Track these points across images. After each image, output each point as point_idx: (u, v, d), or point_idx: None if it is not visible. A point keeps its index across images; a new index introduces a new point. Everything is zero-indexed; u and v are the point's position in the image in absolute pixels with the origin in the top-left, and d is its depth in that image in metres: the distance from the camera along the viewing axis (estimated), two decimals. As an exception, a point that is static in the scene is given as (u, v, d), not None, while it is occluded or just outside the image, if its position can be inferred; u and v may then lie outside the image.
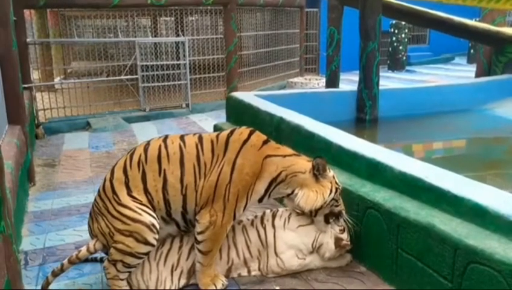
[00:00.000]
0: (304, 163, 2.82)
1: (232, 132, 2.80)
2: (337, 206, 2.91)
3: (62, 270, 2.68)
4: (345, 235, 2.97)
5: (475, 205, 2.36)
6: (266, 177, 2.74)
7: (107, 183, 2.69)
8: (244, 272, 2.95)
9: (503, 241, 2.16)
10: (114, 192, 2.64)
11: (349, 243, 2.96)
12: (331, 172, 2.89)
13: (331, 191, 2.83)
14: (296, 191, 2.80)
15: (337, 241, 2.95)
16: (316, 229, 2.97)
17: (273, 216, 3.03)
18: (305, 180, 2.79)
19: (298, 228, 2.97)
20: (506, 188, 2.66)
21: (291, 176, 2.77)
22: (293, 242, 2.94)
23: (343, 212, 2.96)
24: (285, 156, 2.80)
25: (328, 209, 2.89)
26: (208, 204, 2.67)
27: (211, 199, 2.67)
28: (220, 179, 2.66)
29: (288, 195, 2.84)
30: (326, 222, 2.93)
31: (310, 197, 2.79)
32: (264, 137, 2.83)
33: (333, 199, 2.86)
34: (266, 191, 2.78)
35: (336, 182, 2.89)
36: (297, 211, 3.01)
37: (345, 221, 2.97)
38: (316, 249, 2.97)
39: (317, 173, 2.80)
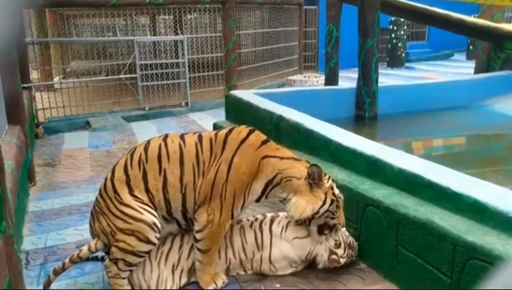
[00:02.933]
0: (300, 169, 2.76)
1: (230, 131, 2.79)
2: (332, 218, 2.83)
3: (63, 269, 2.69)
4: (340, 251, 2.88)
5: (474, 201, 2.37)
6: (262, 178, 2.72)
7: (108, 183, 2.70)
8: (241, 272, 2.95)
9: (502, 238, 2.17)
10: (115, 191, 2.65)
11: (340, 260, 2.88)
12: (328, 183, 2.79)
13: (324, 202, 2.75)
14: (289, 197, 2.74)
15: (330, 254, 2.88)
16: (312, 241, 2.91)
17: (272, 221, 3.01)
18: (299, 187, 2.73)
19: (294, 240, 2.92)
20: (506, 184, 2.67)
21: (286, 180, 2.73)
22: (288, 253, 2.91)
23: (340, 226, 2.90)
24: (282, 158, 2.76)
25: (322, 221, 2.83)
26: (205, 202, 2.68)
27: (209, 198, 2.67)
28: (217, 178, 2.66)
29: (284, 199, 2.78)
30: (320, 233, 2.88)
31: (300, 205, 2.71)
32: (264, 137, 2.80)
33: (328, 210, 2.78)
34: (263, 192, 2.76)
35: (334, 194, 2.80)
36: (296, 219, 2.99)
37: (343, 235, 2.93)
38: (309, 260, 2.95)
39: (312, 182, 2.73)
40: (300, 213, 2.73)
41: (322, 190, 2.76)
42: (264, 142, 2.77)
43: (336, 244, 2.89)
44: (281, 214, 3.09)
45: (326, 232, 2.88)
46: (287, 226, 2.97)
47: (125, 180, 2.66)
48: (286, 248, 2.91)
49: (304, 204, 2.72)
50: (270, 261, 2.91)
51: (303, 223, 2.94)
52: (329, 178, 2.83)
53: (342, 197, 2.88)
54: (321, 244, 2.91)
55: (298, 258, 2.93)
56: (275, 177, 2.73)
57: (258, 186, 2.74)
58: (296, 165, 2.77)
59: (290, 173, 2.73)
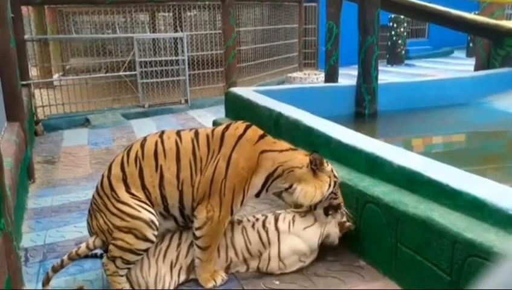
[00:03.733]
0: (301, 158, 2.82)
1: (227, 127, 2.80)
2: (335, 199, 2.94)
3: (62, 266, 2.68)
4: (345, 218, 3.04)
5: (474, 198, 2.36)
6: (262, 172, 2.74)
7: (105, 180, 2.69)
8: (243, 270, 2.95)
9: (501, 235, 2.17)
10: (112, 189, 2.64)
11: (351, 223, 3.02)
12: (329, 166, 2.89)
13: (329, 185, 2.85)
14: (294, 186, 2.79)
15: (341, 225, 3.01)
16: (320, 225, 2.99)
17: (276, 219, 3.01)
18: (302, 175, 2.79)
19: (304, 231, 2.96)
20: (505, 181, 2.67)
21: (288, 171, 2.77)
22: (298, 247, 2.92)
23: (342, 204, 2.98)
24: (281, 151, 2.80)
25: (327, 203, 2.92)
26: (204, 199, 2.68)
27: (207, 194, 2.67)
28: (215, 174, 2.66)
29: (286, 189, 2.83)
30: (326, 214, 2.96)
31: (309, 192, 2.79)
32: (261, 132, 2.82)
33: (332, 192, 2.88)
34: (263, 186, 2.78)
35: (335, 175, 2.91)
36: (299, 210, 3.04)
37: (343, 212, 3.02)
38: (319, 245, 2.99)
39: (315, 168, 2.80)
40: (310, 199, 2.81)
41: (326, 174, 2.84)
42: (261, 137, 2.79)
43: (342, 216, 3.00)
44: (281, 211, 3.10)
45: (331, 212, 2.96)
46: (293, 221, 2.99)
47: (121, 177, 2.66)
48: (295, 241, 2.93)
49: (312, 190, 2.79)
50: (280, 258, 2.90)
51: (308, 211, 3.00)
52: (326, 162, 2.91)
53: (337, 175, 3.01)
54: (330, 224, 2.99)
55: (309, 248, 2.94)
56: (275, 170, 2.76)
57: (257, 181, 2.75)
58: (296, 156, 2.82)
59: (291, 164, 2.78)
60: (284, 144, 2.88)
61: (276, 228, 2.96)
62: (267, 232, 2.94)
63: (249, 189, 2.75)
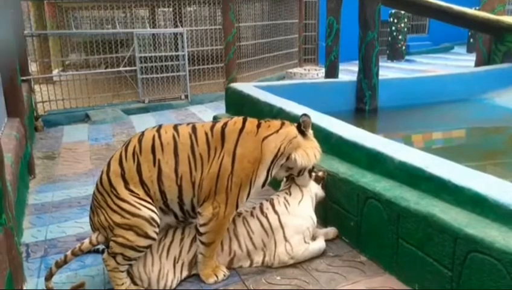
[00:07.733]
0: (292, 128, 2.93)
1: (226, 124, 2.81)
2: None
3: (65, 262, 2.68)
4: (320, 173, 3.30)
5: (475, 194, 2.37)
6: (268, 157, 2.79)
7: (104, 177, 2.68)
8: (246, 264, 2.95)
9: (503, 230, 2.17)
10: (111, 185, 2.63)
11: (322, 171, 3.28)
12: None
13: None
14: (292, 155, 2.89)
15: (317, 179, 3.24)
16: (307, 191, 3.13)
17: (272, 204, 3.05)
18: (298, 143, 2.91)
19: (300, 206, 3.04)
20: (506, 177, 2.66)
21: (288, 144, 2.86)
22: (299, 224, 2.98)
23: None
24: (278, 130, 2.87)
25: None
26: (210, 197, 2.68)
27: (213, 192, 2.68)
28: (221, 171, 2.67)
29: (285, 161, 2.91)
30: (310, 176, 3.14)
31: (309, 154, 2.94)
32: (256, 121, 2.87)
33: None
34: (268, 170, 2.82)
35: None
36: (283, 189, 3.17)
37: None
38: (316, 204, 3.19)
39: (305, 129, 2.95)
40: (311, 159, 2.96)
41: (312, 135, 3.04)
42: (258, 126, 2.84)
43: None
44: (273, 196, 3.15)
45: (313, 173, 3.16)
46: (287, 201, 3.06)
47: (120, 173, 2.65)
48: (297, 221, 2.99)
49: (311, 152, 2.96)
50: (286, 239, 2.94)
51: (290, 186, 3.14)
52: None
53: None
54: (312, 185, 3.19)
55: (310, 220, 3.02)
56: (279, 149, 2.83)
57: (263, 168, 2.79)
58: (289, 129, 2.91)
59: (289, 137, 2.87)
60: (276, 122, 2.94)
61: (275, 212, 3.00)
62: (267, 217, 2.98)
63: (256, 179, 2.78)
